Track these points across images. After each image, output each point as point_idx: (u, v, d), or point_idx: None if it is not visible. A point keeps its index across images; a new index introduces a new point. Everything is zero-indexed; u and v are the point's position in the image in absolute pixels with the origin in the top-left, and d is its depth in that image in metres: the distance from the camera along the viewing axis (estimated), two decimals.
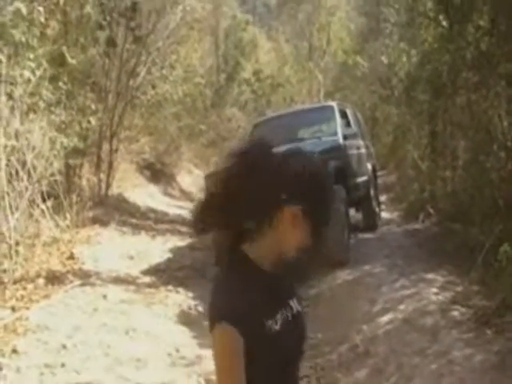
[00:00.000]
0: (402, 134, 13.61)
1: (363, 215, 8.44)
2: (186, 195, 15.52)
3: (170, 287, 5.97)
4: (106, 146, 11.08)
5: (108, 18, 9.48)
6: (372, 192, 8.35)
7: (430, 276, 5.44)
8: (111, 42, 9.71)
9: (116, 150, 11.49)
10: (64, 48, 8.21)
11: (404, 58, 10.49)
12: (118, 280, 5.95)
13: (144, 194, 13.66)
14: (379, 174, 18.08)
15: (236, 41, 21.81)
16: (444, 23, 7.12)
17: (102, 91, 9.63)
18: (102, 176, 10.78)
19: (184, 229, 9.28)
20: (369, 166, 8.47)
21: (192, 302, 5.62)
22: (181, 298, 5.69)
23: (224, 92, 21.90)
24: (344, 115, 7.57)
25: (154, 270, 6.61)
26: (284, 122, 7.23)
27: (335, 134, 6.80)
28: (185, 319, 5.14)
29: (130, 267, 6.55)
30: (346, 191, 6.41)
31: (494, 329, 3.93)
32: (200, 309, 5.52)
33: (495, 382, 3.21)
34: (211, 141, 20.27)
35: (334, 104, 7.42)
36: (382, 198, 13.20)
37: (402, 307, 4.68)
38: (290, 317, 1.40)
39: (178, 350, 4.41)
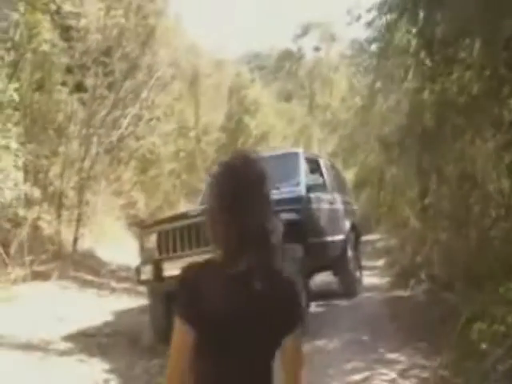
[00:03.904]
0: (400, 193, 12.75)
1: (339, 280, 7.42)
2: None
3: (82, 357, 4.98)
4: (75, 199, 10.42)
5: (78, 63, 8.99)
6: (350, 253, 7.36)
7: (394, 356, 4.40)
8: (81, 87, 9.19)
9: (87, 203, 10.80)
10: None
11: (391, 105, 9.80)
12: (24, 346, 5.00)
13: (125, 251, 12.80)
14: (380, 236, 17.06)
15: (240, 98, 21.55)
16: (427, 61, 6.38)
17: (64, 137, 8.98)
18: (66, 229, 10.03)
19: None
20: (347, 224, 7.53)
21: (102, 376, 4.61)
22: (91, 371, 4.69)
23: (227, 150, 21.47)
24: (315, 165, 6.74)
25: (78, 335, 5.64)
26: None
27: (298, 184, 5.94)
28: None
29: (52, 331, 5.59)
30: (307, 251, 5.47)
31: None
32: None
33: None
34: None
35: (299, 151, 6.60)
36: (379, 262, 12.17)
37: None
38: None
39: None
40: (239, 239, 1.31)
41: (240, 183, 1.34)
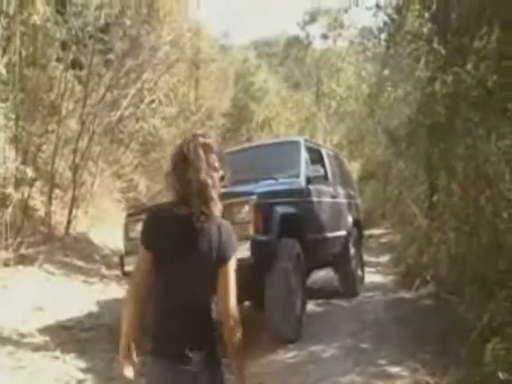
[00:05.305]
0: (407, 189, 12.29)
1: (340, 278, 7.01)
2: None
3: (57, 353, 4.60)
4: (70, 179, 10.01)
5: (74, 39, 8.52)
6: (352, 251, 6.94)
7: (396, 370, 3.99)
8: (77, 64, 8.73)
9: (82, 184, 10.40)
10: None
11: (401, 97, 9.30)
12: None
13: (121, 236, 12.39)
14: (384, 231, 16.63)
15: (246, 85, 21.02)
16: (440, 49, 5.89)
17: (57, 115, 8.50)
18: (60, 211, 9.64)
19: None
20: (349, 219, 7.10)
21: (77, 376, 4.24)
22: (64, 370, 4.31)
23: (231, 136, 20.99)
24: (317, 156, 6.30)
25: (56, 328, 5.25)
26: (240, 159, 5.92)
27: (297, 175, 5.51)
28: None
29: (28, 322, 5.21)
30: (305, 247, 5.06)
31: None
32: None
33: None
34: None
35: (300, 139, 6.15)
36: (383, 258, 11.74)
37: None
38: None
39: None
40: (184, 190, 1.81)
41: (188, 151, 1.83)
